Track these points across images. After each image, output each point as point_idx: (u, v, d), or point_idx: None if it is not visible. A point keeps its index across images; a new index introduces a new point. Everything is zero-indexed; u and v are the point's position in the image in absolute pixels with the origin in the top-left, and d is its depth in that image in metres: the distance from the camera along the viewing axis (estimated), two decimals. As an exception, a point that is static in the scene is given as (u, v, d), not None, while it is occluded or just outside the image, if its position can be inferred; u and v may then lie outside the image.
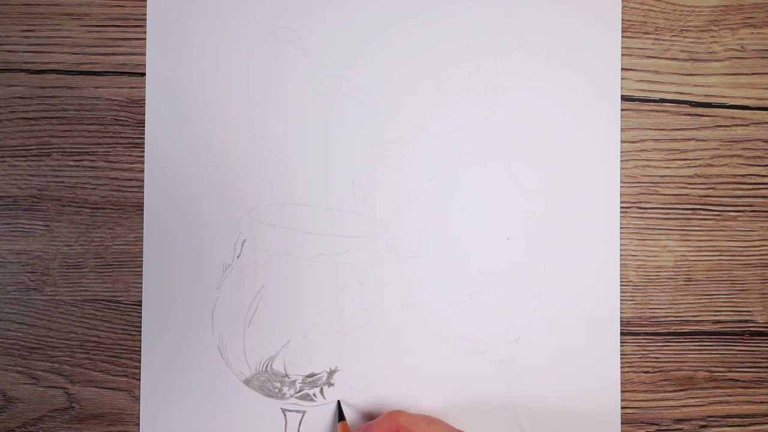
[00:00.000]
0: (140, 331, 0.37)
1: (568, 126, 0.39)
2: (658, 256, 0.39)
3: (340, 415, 0.36)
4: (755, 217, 0.40)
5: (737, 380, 0.39)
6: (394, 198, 0.38)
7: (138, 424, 0.37)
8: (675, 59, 0.39)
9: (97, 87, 0.37)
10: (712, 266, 0.39)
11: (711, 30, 0.39)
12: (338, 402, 0.37)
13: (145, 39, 0.37)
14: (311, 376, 0.36)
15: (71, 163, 0.37)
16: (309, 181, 0.37)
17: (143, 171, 0.37)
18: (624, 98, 0.39)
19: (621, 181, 0.39)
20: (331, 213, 0.37)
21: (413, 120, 0.38)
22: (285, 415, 0.37)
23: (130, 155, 0.37)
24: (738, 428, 0.39)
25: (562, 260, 0.38)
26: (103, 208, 0.37)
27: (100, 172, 0.37)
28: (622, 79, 0.39)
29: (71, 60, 0.37)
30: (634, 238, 0.39)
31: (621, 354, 0.38)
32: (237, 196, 0.37)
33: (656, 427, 0.39)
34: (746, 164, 0.40)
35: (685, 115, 0.39)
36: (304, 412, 0.37)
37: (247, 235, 0.37)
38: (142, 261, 0.37)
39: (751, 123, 0.40)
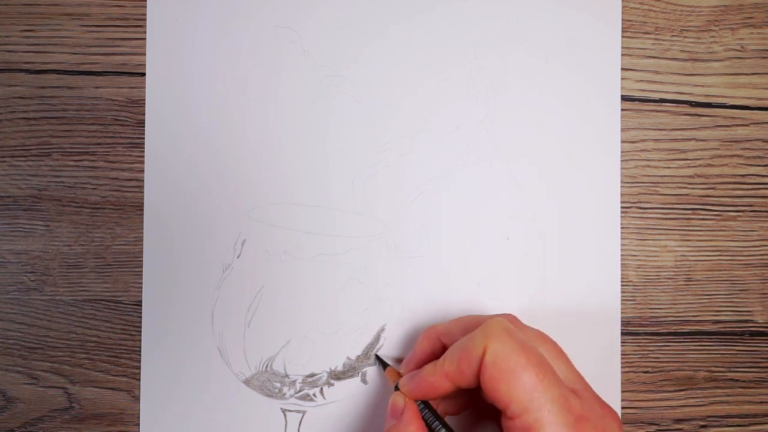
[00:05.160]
0: (140, 331, 0.37)
1: (568, 126, 0.39)
2: (658, 256, 0.39)
3: (384, 365, 0.36)
4: (755, 217, 0.40)
5: (737, 380, 0.39)
6: (394, 198, 0.38)
7: (138, 424, 0.37)
8: (675, 59, 0.39)
9: (97, 87, 0.37)
10: (712, 266, 0.39)
11: (711, 30, 0.39)
12: (376, 355, 0.37)
13: (145, 39, 0.37)
14: (311, 376, 0.36)
15: (71, 163, 0.37)
16: (309, 181, 0.37)
17: (143, 171, 0.37)
18: (624, 98, 0.39)
19: (621, 181, 0.39)
20: (331, 213, 0.37)
21: (413, 120, 0.38)
22: (285, 415, 0.37)
23: (130, 155, 0.37)
24: (738, 428, 0.39)
25: (562, 260, 0.38)
26: (103, 208, 0.37)
27: (100, 172, 0.37)
28: (622, 79, 0.39)
29: (71, 60, 0.37)
30: (634, 238, 0.39)
31: (621, 354, 0.38)
32: (237, 196, 0.37)
33: (656, 427, 0.39)
34: (746, 164, 0.40)
35: (685, 115, 0.39)
36: (304, 412, 0.37)
37: (247, 235, 0.37)
38: (142, 261, 0.37)
39: (751, 123, 0.40)
